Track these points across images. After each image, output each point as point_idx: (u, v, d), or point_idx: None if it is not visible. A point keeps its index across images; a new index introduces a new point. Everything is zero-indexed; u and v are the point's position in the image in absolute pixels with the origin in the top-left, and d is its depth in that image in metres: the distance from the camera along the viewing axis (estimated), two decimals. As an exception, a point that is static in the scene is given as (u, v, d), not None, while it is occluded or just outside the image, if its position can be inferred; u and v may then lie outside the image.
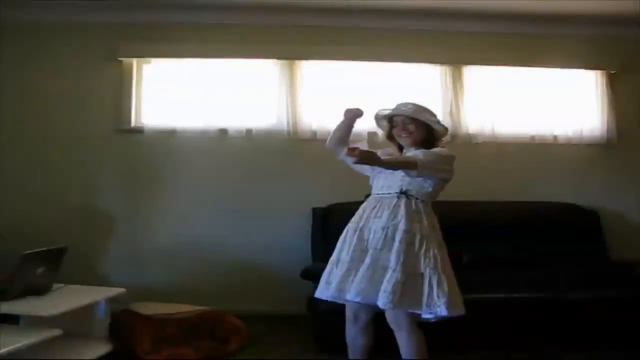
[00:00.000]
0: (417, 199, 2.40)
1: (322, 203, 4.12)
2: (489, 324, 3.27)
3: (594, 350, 3.25)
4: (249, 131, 4.32)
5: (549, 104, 4.51)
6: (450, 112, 4.41)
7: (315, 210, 4.14)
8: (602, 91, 4.53)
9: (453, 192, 4.15)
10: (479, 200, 4.27)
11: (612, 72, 4.54)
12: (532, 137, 4.50)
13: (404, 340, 2.36)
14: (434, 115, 2.53)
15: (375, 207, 2.43)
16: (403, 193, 2.40)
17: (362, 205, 2.51)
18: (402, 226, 2.33)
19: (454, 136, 4.41)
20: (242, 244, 4.24)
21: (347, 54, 4.36)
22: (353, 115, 2.57)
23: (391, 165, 2.39)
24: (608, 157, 4.54)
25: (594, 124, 4.52)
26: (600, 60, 4.54)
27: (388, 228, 2.34)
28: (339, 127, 2.62)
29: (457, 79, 4.46)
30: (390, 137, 2.61)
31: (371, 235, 2.37)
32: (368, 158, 2.25)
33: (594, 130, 4.52)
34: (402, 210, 2.36)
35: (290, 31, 4.38)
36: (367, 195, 2.56)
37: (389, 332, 2.40)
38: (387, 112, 2.57)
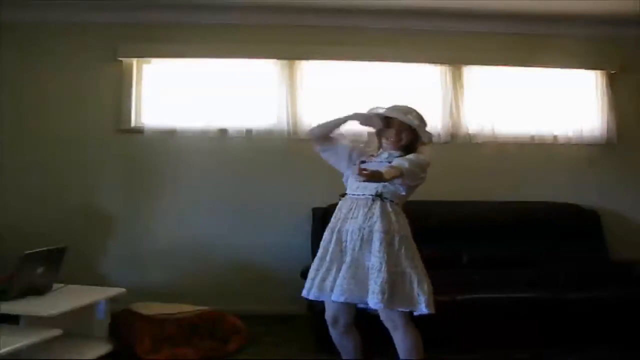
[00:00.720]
0: (391, 201, 2.45)
1: (322, 203, 4.12)
2: (488, 324, 3.27)
3: (594, 350, 3.25)
4: (249, 131, 4.32)
5: (549, 104, 4.51)
6: (450, 112, 4.41)
7: (315, 210, 4.14)
8: (602, 91, 4.53)
9: (454, 192, 4.22)
10: (479, 200, 4.27)
11: (612, 72, 4.54)
12: (532, 137, 4.50)
13: (400, 339, 2.39)
14: (427, 125, 2.58)
15: (351, 208, 2.47)
16: (378, 196, 2.43)
17: (338, 206, 2.55)
18: (378, 227, 2.37)
19: (454, 136, 4.42)
20: (242, 244, 4.24)
21: (347, 54, 4.36)
22: (358, 119, 2.58)
23: (389, 180, 2.38)
24: (608, 157, 4.54)
25: (594, 124, 4.52)
26: (600, 60, 4.54)
27: (364, 229, 2.39)
28: (334, 122, 2.62)
29: (457, 79, 4.46)
30: (378, 133, 2.64)
31: (348, 237, 2.42)
32: (374, 178, 2.26)
33: (594, 130, 4.52)
34: (377, 212, 2.40)
35: (290, 31, 4.38)
36: (342, 195, 2.59)
37: (386, 332, 2.41)
38: (382, 111, 2.58)
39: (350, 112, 2.59)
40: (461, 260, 4.00)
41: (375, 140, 2.66)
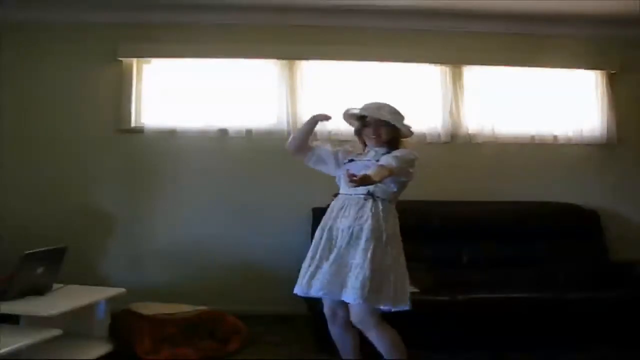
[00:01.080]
0: (383, 199, 2.47)
1: (322, 203, 4.09)
2: (488, 323, 3.27)
3: (594, 350, 3.25)
4: (249, 131, 4.32)
5: (549, 104, 4.51)
6: (450, 112, 4.41)
7: (315, 211, 4.13)
8: (602, 91, 4.53)
9: (454, 192, 4.22)
10: (479, 200, 4.27)
11: (612, 72, 4.54)
12: (532, 137, 4.49)
13: (376, 340, 2.41)
14: (404, 118, 2.59)
15: (343, 206, 2.50)
16: (370, 194, 2.45)
17: (331, 205, 2.58)
18: (368, 225, 2.40)
19: (454, 136, 4.42)
20: (242, 244, 4.24)
21: (347, 54, 4.36)
22: (319, 120, 2.62)
23: (380, 181, 2.39)
24: (608, 157, 4.54)
25: (594, 124, 4.52)
26: (600, 60, 4.54)
27: (354, 227, 2.42)
28: (301, 131, 2.67)
29: (457, 79, 4.46)
30: (359, 134, 2.66)
31: (339, 234, 2.45)
32: (364, 182, 2.27)
33: (594, 130, 4.52)
34: (368, 210, 2.43)
35: (290, 31, 4.38)
36: (335, 194, 2.62)
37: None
38: (356, 111, 2.62)
39: (311, 115, 2.65)
40: (461, 260, 4.01)
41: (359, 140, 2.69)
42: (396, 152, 2.48)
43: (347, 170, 2.34)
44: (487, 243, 4.04)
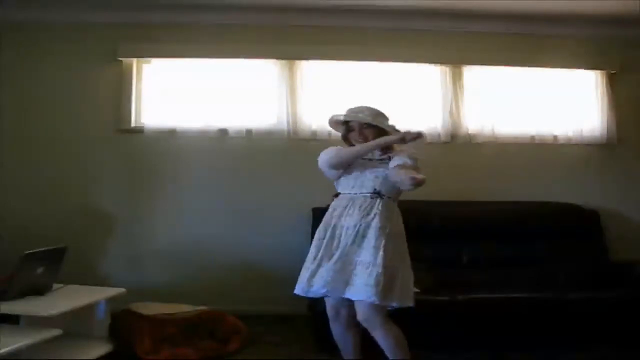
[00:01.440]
0: (388, 197, 2.50)
1: (322, 203, 4.10)
2: (488, 323, 3.28)
3: (594, 350, 3.25)
4: (249, 131, 4.32)
5: (549, 104, 4.51)
6: (450, 112, 4.41)
7: (315, 210, 4.13)
8: (602, 91, 4.53)
9: (454, 192, 4.22)
10: (479, 200, 4.27)
11: (612, 72, 4.54)
12: (532, 137, 4.50)
13: (382, 339, 2.40)
14: (387, 119, 2.61)
15: (347, 205, 2.51)
16: (377, 193, 2.48)
17: (332, 205, 2.59)
18: (376, 223, 2.41)
19: (454, 136, 4.42)
20: (242, 244, 4.24)
21: (347, 54, 4.36)
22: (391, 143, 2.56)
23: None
24: (608, 157, 4.54)
25: (594, 124, 4.52)
26: (600, 60, 4.54)
27: (360, 225, 2.43)
28: (357, 153, 2.56)
29: (457, 79, 4.46)
30: (346, 139, 2.69)
31: (343, 232, 2.45)
32: (423, 183, 2.38)
33: (594, 130, 4.52)
34: (375, 208, 2.45)
35: (290, 31, 4.38)
36: (336, 195, 2.62)
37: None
38: (341, 117, 2.65)
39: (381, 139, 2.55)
40: (461, 260, 4.01)
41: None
42: (404, 153, 2.51)
43: (411, 175, 2.37)
44: (487, 243, 4.04)
